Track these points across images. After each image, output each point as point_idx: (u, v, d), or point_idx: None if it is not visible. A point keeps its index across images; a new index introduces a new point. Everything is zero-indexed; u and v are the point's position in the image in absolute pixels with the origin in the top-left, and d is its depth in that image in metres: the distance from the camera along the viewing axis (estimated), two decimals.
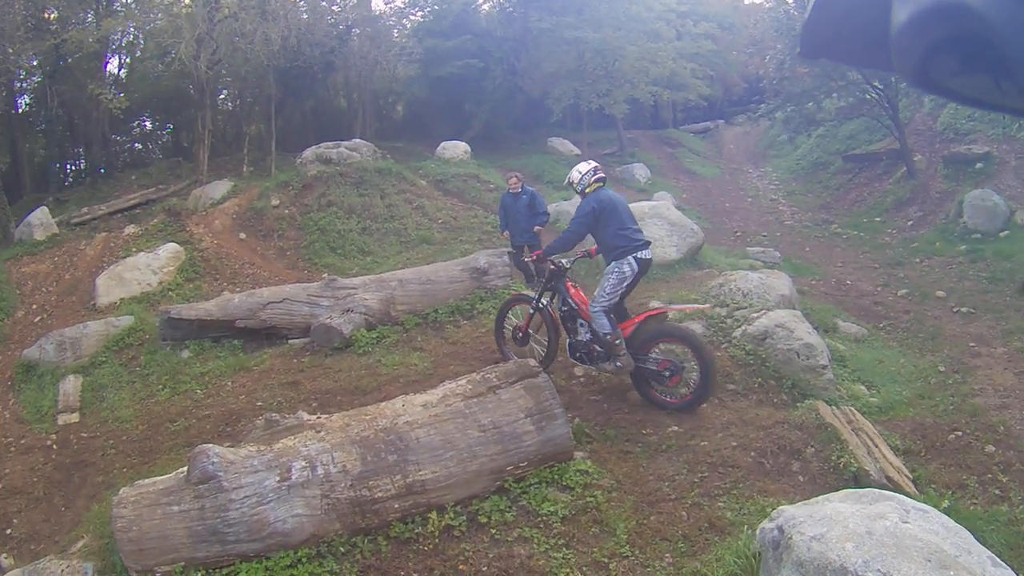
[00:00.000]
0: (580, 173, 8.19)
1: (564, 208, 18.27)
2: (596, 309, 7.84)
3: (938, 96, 0.99)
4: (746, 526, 5.63)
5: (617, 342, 7.73)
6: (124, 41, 25.06)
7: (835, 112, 22.65)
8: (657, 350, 7.96)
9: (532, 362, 7.06)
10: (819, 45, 1.05)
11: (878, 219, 19.53)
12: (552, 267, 8.43)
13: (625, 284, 7.80)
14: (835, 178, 23.94)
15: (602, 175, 8.18)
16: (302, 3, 21.93)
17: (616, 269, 7.78)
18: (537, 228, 12.83)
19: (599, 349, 7.99)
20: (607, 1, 24.32)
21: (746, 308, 9.77)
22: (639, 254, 7.78)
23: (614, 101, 24.48)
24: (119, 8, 22.47)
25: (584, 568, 5.65)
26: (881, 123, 21.70)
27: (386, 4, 28.66)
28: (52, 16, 21.11)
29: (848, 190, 22.63)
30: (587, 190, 8.09)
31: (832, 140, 25.93)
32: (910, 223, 18.41)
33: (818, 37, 1.04)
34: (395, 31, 27.30)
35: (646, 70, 24.34)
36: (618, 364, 7.81)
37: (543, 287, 8.66)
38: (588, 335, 8.10)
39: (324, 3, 23.96)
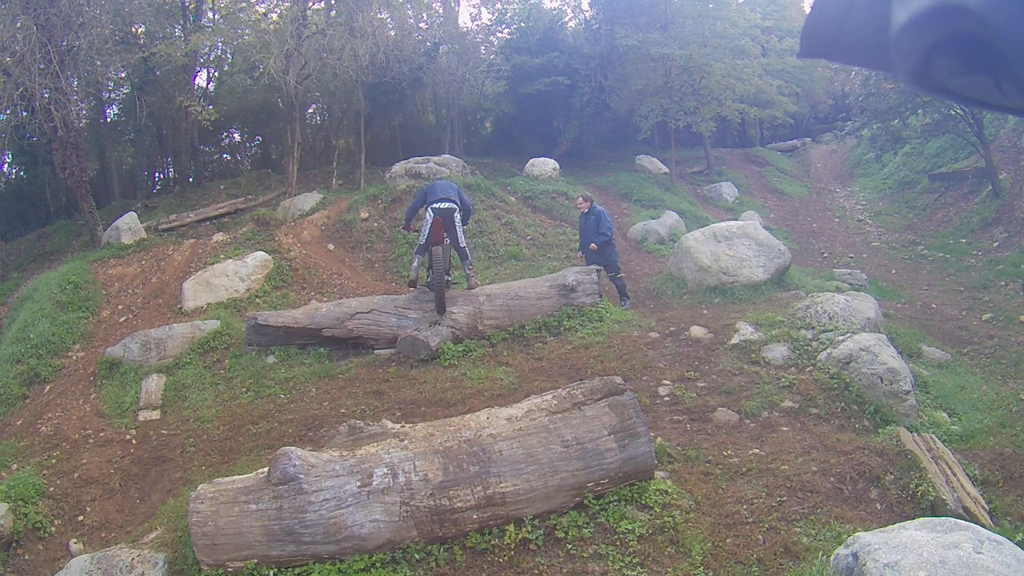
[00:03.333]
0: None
1: (652, 227, 18.40)
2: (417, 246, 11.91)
3: (938, 96, 1.00)
4: (821, 552, 5.58)
5: (414, 264, 11.65)
6: (212, 55, 25.57)
7: (921, 129, 21.93)
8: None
9: (617, 379, 7.06)
10: (819, 46, 1.06)
11: (963, 240, 18.95)
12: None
13: (428, 226, 11.16)
14: (921, 198, 23.32)
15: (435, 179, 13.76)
16: (389, 20, 22.03)
17: (424, 216, 11.37)
18: (592, 246, 13.14)
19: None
20: (692, 17, 24.23)
21: (832, 331, 9.65)
22: (434, 205, 11.26)
23: (701, 119, 24.30)
24: (207, 24, 23.02)
25: None
26: (966, 140, 21.01)
27: (473, 22, 28.86)
28: (140, 30, 21.60)
29: (934, 210, 22.01)
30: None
31: (918, 158, 25.29)
32: (995, 244, 17.79)
33: (818, 38, 1.05)
34: (482, 48, 27.25)
35: (732, 87, 24.09)
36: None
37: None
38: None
39: (411, 20, 24.05)
